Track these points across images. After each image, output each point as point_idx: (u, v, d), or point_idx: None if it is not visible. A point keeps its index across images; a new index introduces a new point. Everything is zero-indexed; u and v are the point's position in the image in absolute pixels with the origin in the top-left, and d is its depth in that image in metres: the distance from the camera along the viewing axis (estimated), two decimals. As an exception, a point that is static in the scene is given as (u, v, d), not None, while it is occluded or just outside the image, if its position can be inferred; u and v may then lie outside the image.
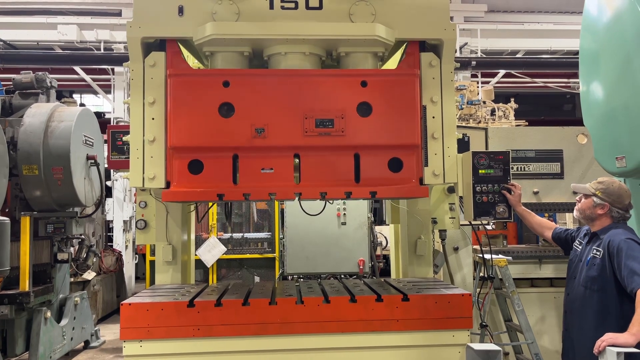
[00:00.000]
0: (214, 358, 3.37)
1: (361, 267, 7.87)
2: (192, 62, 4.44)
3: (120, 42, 13.12)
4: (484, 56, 13.70)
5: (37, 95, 7.41)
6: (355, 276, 7.64)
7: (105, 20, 13.55)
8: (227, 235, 9.41)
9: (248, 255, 9.48)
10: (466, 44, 14.00)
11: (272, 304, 3.42)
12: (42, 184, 6.75)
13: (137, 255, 12.94)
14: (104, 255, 10.62)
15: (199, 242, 5.41)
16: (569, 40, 13.53)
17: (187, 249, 4.45)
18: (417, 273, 4.35)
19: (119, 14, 13.90)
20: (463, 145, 4.32)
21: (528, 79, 14.73)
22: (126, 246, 12.49)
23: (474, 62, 12.19)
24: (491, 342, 5.43)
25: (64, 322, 7.28)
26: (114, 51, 13.04)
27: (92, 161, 7.50)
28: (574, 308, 3.68)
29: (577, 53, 4.85)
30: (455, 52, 3.85)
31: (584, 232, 3.85)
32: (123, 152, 4.99)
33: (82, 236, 7.92)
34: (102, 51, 13.20)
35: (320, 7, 3.54)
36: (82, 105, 10.54)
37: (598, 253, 3.54)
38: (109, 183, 11.82)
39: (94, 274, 9.54)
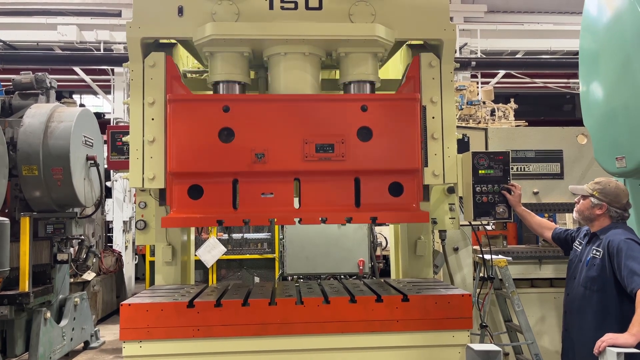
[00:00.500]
0: (214, 358, 3.36)
1: (361, 267, 7.86)
2: (192, 62, 4.45)
3: (120, 43, 13.13)
4: (484, 56, 13.71)
5: (37, 96, 7.41)
6: (355, 277, 7.63)
7: (105, 21, 13.55)
8: (226, 236, 9.40)
9: (248, 256, 9.48)
10: (466, 44, 14.01)
11: (272, 304, 3.41)
12: (41, 185, 6.75)
13: (136, 256, 12.94)
14: (103, 256, 10.62)
15: (199, 242, 5.40)
16: (569, 41, 13.53)
17: (187, 249, 4.45)
18: (417, 273, 4.35)
19: (118, 14, 13.90)
20: (463, 145, 4.32)
21: (528, 80, 14.73)
22: (126, 247, 12.49)
23: (473, 63, 12.20)
24: (491, 343, 5.42)
25: (63, 322, 7.28)
26: (114, 52, 13.06)
27: (92, 162, 7.50)
28: (573, 308, 3.68)
29: (576, 53, 4.85)
30: (455, 52, 3.85)
31: (583, 233, 3.85)
32: (123, 152, 4.99)
33: (82, 237, 7.92)
34: (101, 52, 13.20)
35: (320, 8, 3.54)
36: (81, 105, 10.53)
37: (598, 253, 3.54)
38: (108, 183, 11.82)
39: (93, 274, 9.54)
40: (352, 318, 3.41)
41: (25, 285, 6.32)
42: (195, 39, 3.49)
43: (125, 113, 12.97)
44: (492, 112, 11.97)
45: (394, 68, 4.43)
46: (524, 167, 6.15)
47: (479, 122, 11.11)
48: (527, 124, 10.99)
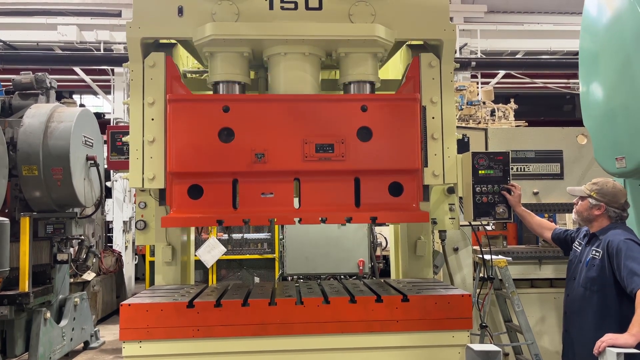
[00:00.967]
0: (214, 359, 3.36)
1: (361, 267, 7.86)
2: (192, 62, 4.44)
3: (120, 43, 13.13)
4: (484, 57, 13.71)
5: (37, 96, 7.41)
6: (355, 277, 7.63)
7: (105, 21, 13.56)
8: (226, 236, 9.40)
9: (248, 256, 9.48)
10: (466, 44, 14.01)
11: (272, 304, 3.41)
12: (41, 185, 6.75)
13: (136, 256, 12.93)
14: (103, 256, 10.62)
15: (199, 242, 5.40)
16: (569, 41, 13.53)
17: (187, 249, 4.45)
18: (417, 274, 4.34)
19: (118, 14, 13.91)
20: (463, 145, 4.32)
21: (528, 80, 14.73)
22: (126, 247, 12.49)
23: (473, 63, 12.20)
24: (491, 343, 5.42)
25: (63, 322, 7.28)
26: (114, 52, 13.06)
27: (92, 162, 7.50)
28: (573, 309, 3.68)
29: (576, 54, 4.85)
30: (455, 52, 3.85)
31: (583, 233, 3.85)
32: (123, 152, 4.99)
33: (82, 237, 7.92)
34: (101, 52, 13.20)
35: (319, 8, 3.54)
36: (81, 105, 10.52)
37: (597, 254, 3.54)
38: (108, 184, 11.82)
39: (93, 274, 9.54)
40: (352, 318, 3.40)
41: (25, 285, 6.32)
42: (195, 39, 3.49)
43: (125, 113, 12.97)
44: (492, 113, 11.98)
45: (394, 68, 4.43)
46: (524, 168, 6.15)
47: (479, 123, 11.12)
48: (527, 124, 11.01)
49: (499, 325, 6.10)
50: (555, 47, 14.14)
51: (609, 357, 3.00)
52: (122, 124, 11.03)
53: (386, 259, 8.86)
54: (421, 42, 3.85)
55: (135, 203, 5.92)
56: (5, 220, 5.73)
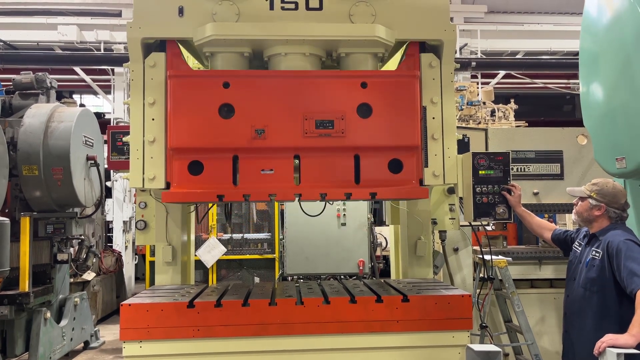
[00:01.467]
0: (214, 359, 3.37)
1: (361, 267, 7.87)
2: (192, 62, 4.44)
3: (120, 43, 13.13)
4: (484, 57, 13.71)
5: (37, 96, 7.41)
6: (355, 277, 7.64)
7: (105, 21, 13.55)
8: (226, 236, 9.40)
9: (248, 256, 9.47)
10: (466, 44, 14.01)
11: (272, 304, 3.41)
12: (42, 185, 6.75)
13: (136, 256, 12.93)
14: (103, 256, 10.62)
15: (199, 242, 5.41)
16: (569, 41, 13.54)
17: (187, 249, 4.45)
18: (417, 274, 4.35)
19: (119, 14, 13.90)
20: (463, 146, 4.32)
21: (528, 80, 14.73)
22: (126, 247, 12.49)
23: (473, 63, 12.20)
24: (491, 343, 5.42)
25: (63, 322, 7.28)
26: (114, 52, 13.06)
27: (92, 162, 7.50)
28: (573, 309, 3.68)
29: (576, 54, 4.85)
30: (455, 52, 3.85)
31: (583, 234, 3.85)
32: (123, 152, 4.99)
33: (82, 237, 7.92)
34: (102, 52, 13.20)
35: (320, 8, 3.54)
36: (82, 105, 10.52)
37: (597, 254, 3.54)
38: (108, 184, 11.82)
39: (93, 274, 9.54)
40: (352, 318, 3.41)
41: (25, 285, 6.32)
42: (196, 39, 3.49)
43: (126, 113, 12.98)
44: (492, 113, 11.99)
45: (394, 68, 4.42)
46: (524, 168, 6.15)
47: (479, 123, 11.13)
48: (527, 124, 11.01)
49: (499, 325, 6.10)
50: (555, 47, 14.15)
51: (609, 357, 3.00)
52: (122, 124, 11.03)
53: (386, 259, 8.87)
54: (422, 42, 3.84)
55: (135, 203, 5.93)
56: (6, 220, 5.73)
